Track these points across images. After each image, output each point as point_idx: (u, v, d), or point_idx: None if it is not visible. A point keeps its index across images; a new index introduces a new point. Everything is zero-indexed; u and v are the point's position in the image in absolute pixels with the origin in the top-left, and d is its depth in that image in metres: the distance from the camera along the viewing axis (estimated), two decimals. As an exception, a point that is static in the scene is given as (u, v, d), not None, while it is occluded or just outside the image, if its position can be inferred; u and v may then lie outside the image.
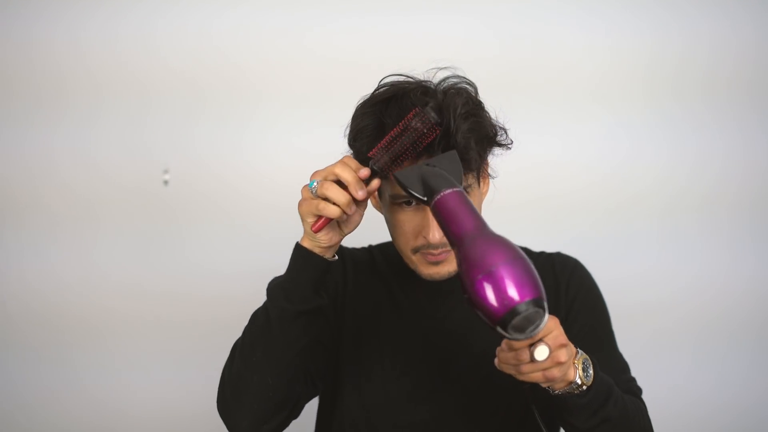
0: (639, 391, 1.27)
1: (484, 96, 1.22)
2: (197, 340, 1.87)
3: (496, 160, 1.26)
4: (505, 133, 1.22)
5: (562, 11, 1.90)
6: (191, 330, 1.87)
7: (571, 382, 1.06)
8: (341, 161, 1.10)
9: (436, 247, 1.17)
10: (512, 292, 0.91)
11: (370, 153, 1.11)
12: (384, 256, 1.36)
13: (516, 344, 1.00)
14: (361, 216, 1.15)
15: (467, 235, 0.97)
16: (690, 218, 1.91)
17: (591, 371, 1.08)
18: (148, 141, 1.85)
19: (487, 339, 1.26)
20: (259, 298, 1.18)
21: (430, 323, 1.30)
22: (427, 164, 1.08)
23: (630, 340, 1.81)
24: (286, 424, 1.20)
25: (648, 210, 1.91)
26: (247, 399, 1.14)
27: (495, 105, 1.23)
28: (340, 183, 1.09)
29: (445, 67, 1.22)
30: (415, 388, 1.28)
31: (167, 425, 1.89)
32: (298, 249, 1.14)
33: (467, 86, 1.20)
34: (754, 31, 1.91)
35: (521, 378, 1.04)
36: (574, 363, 1.06)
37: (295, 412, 1.20)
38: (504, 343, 1.03)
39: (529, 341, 0.99)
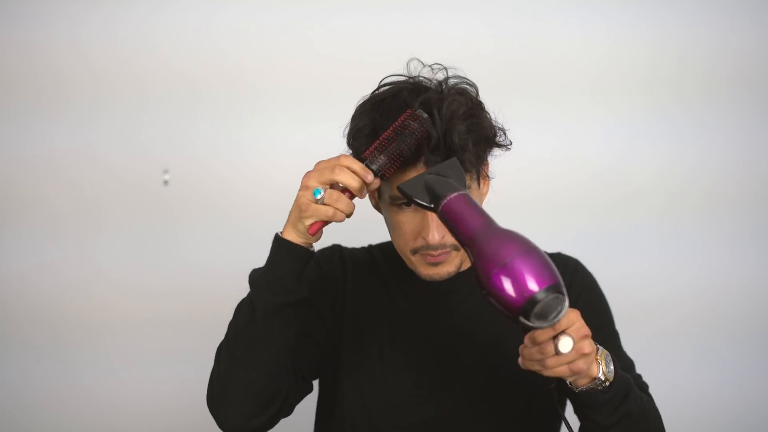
0: (646, 386, 1.28)
1: (483, 93, 1.22)
2: (196, 339, 1.85)
3: (495, 159, 1.26)
4: (504, 134, 1.22)
5: (561, 8, 1.90)
6: (190, 328, 1.88)
7: (595, 378, 1.06)
8: (343, 164, 1.09)
9: (435, 248, 1.18)
10: (530, 281, 0.93)
11: (364, 154, 1.11)
12: (384, 255, 1.36)
13: (539, 337, 1.01)
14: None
15: (478, 234, 0.99)
16: (690, 216, 1.92)
17: (612, 366, 1.08)
18: (148, 139, 1.86)
19: (488, 339, 1.28)
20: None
21: (431, 323, 1.30)
22: (430, 173, 1.09)
23: (631, 339, 1.80)
24: (276, 421, 1.20)
25: (648, 208, 1.92)
26: (234, 395, 1.15)
27: (494, 102, 1.23)
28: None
29: (446, 67, 1.22)
30: (415, 389, 1.28)
31: (166, 423, 1.89)
32: (280, 241, 1.14)
33: (468, 86, 1.21)
34: (753, 28, 1.91)
35: (547, 373, 1.04)
36: (596, 358, 1.06)
37: (285, 409, 1.20)
38: (527, 339, 1.03)
39: (551, 332, 1.00)
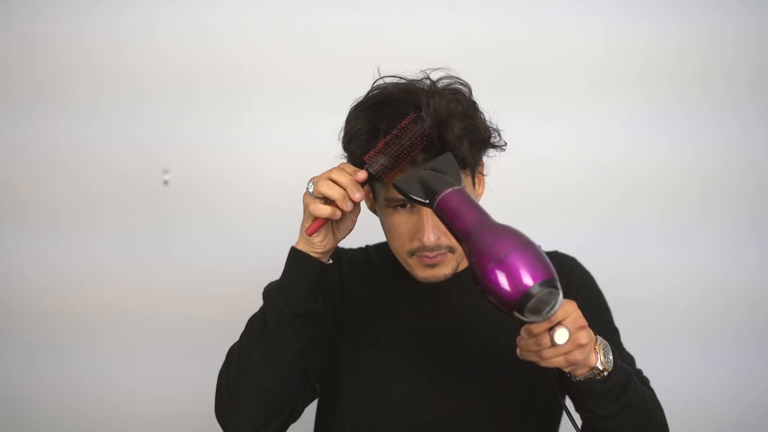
0: (647, 381, 1.28)
1: (478, 89, 1.22)
2: (194, 336, 1.87)
3: (491, 159, 1.26)
4: (499, 134, 1.22)
5: (558, 3, 1.90)
6: (188, 326, 1.88)
7: (593, 368, 1.06)
8: (337, 167, 1.12)
9: (431, 249, 1.18)
10: (524, 276, 0.93)
11: (366, 157, 1.12)
12: (381, 256, 1.37)
13: (535, 329, 1.01)
14: (354, 222, 1.18)
15: (473, 229, 1.00)
16: (691, 211, 1.92)
17: (611, 356, 1.08)
18: (149, 135, 1.86)
19: (486, 338, 1.28)
20: (254, 296, 1.18)
21: (429, 324, 1.30)
22: (425, 168, 1.10)
23: (636, 336, 1.81)
24: (286, 428, 1.21)
25: (648, 204, 1.92)
26: (246, 404, 1.15)
27: (490, 97, 1.23)
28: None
29: (439, 68, 1.22)
30: (414, 389, 1.28)
31: (163, 419, 1.89)
32: (293, 252, 1.16)
33: (461, 87, 1.21)
34: (751, 21, 1.91)
35: (544, 364, 1.04)
36: (595, 348, 1.06)
37: (294, 416, 1.21)
38: (523, 331, 1.04)
39: (547, 324, 1.00)
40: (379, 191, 1.21)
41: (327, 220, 1.13)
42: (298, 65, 1.87)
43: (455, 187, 1.06)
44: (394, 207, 1.19)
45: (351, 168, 1.12)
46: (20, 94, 1.85)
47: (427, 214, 1.16)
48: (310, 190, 1.12)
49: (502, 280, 0.94)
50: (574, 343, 1.01)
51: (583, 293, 1.32)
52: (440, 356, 1.29)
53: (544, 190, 1.90)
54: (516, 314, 0.95)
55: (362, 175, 1.11)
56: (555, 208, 1.90)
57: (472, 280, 0.97)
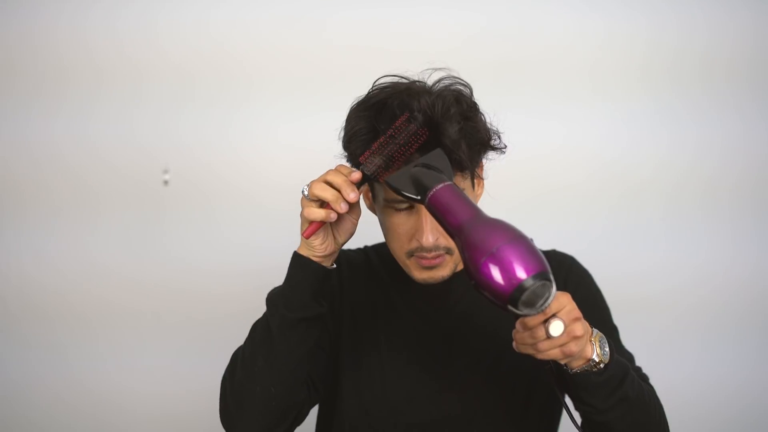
0: (646, 377, 1.28)
1: (479, 87, 1.23)
2: (191, 334, 1.88)
3: (490, 160, 1.27)
4: (499, 137, 1.22)
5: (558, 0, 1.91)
6: (187, 324, 1.88)
7: (589, 360, 1.06)
8: (334, 168, 1.12)
9: (429, 250, 1.18)
10: (517, 269, 0.93)
11: (361, 158, 1.12)
12: (379, 256, 1.37)
13: (530, 322, 1.01)
14: (355, 225, 1.17)
15: (465, 224, 1.00)
16: (691, 208, 1.91)
17: (607, 349, 1.08)
18: (148, 133, 1.87)
19: (485, 338, 1.28)
20: (253, 295, 1.19)
21: (428, 323, 1.30)
22: (416, 165, 1.10)
23: (637, 334, 1.81)
24: (292, 430, 1.21)
25: (650, 201, 1.92)
26: (251, 409, 1.15)
27: (489, 96, 1.23)
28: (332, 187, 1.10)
29: (440, 68, 1.22)
30: (414, 389, 1.28)
31: (163, 418, 1.89)
32: (295, 257, 1.16)
33: (462, 87, 1.21)
34: (750, 17, 1.91)
35: (540, 356, 1.04)
36: (590, 340, 1.06)
37: (300, 418, 1.22)
38: (518, 324, 1.04)
39: (542, 317, 1.01)
40: (379, 191, 1.21)
41: (323, 223, 1.12)
42: (298, 62, 1.87)
43: (446, 183, 1.06)
44: (394, 207, 1.19)
45: (346, 169, 1.11)
46: (20, 90, 1.86)
47: (426, 215, 1.16)
48: (305, 193, 1.11)
49: (495, 274, 0.94)
50: (569, 335, 1.02)
51: (581, 291, 1.31)
52: (439, 355, 1.29)
53: (543, 188, 1.90)
54: (510, 308, 0.95)
55: (356, 175, 1.10)
56: (554, 206, 1.90)
57: (466, 275, 0.97)
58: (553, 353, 1.03)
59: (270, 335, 1.14)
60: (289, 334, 1.14)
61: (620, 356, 1.18)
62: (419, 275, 1.22)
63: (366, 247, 1.41)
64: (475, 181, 1.24)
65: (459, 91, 1.20)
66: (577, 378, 1.08)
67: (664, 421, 1.20)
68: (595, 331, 1.08)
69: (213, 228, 1.88)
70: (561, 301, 1.02)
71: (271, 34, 1.87)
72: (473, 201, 1.21)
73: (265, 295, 1.19)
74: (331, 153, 1.25)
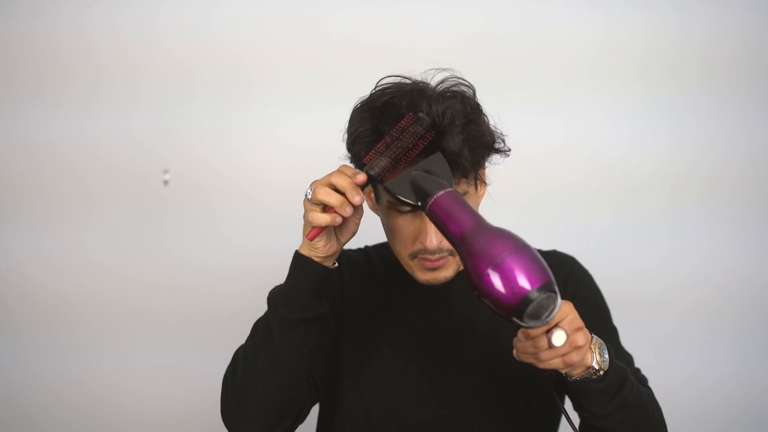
0: (645, 380, 1.28)
1: (480, 86, 1.22)
2: (190, 333, 1.87)
3: (496, 165, 1.26)
4: (503, 141, 1.21)
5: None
6: (185, 322, 1.88)
7: (589, 367, 1.07)
8: (337, 170, 1.10)
9: (433, 252, 1.18)
10: (522, 281, 0.92)
11: (366, 159, 1.11)
12: (380, 256, 1.37)
13: (533, 332, 1.01)
14: (357, 225, 1.16)
15: (467, 232, 0.98)
16: (693, 205, 1.91)
17: (607, 356, 1.08)
18: (149, 131, 1.86)
19: (486, 338, 1.29)
20: (253, 293, 1.20)
21: (429, 324, 1.30)
22: (416, 170, 1.08)
23: (639, 333, 1.82)
24: (293, 429, 1.22)
25: (649, 199, 1.91)
26: (252, 408, 1.15)
27: (488, 93, 1.23)
28: (336, 190, 1.09)
29: (444, 69, 1.21)
30: (415, 389, 1.28)
31: (162, 416, 1.89)
32: (297, 257, 1.15)
33: (465, 89, 1.20)
34: (750, 14, 1.90)
35: (541, 365, 1.04)
36: (590, 348, 1.06)
37: (301, 417, 1.22)
38: (520, 333, 1.04)
39: (545, 328, 1.00)
40: (382, 193, 1.20)
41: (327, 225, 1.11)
42: (298, 60, 1.87)
43: (447, 189, 1.04)
44: (397, 210, 1.18)
45: (350, 170, 1.10)
46: (19, 88, 1.85)
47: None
48: (309, 196, 1.10)
49: (500, 285, 0.92)
50: (571, 345, 1.02)
51: (582, 292, 1.32)
52: (440, 356, 1.29)
53: (543, 187, 1.90)
54: (514, 319, 0.95)
55: (361, 177, 1.09)
56: (554, 205, 1.90)
57: (469, 284, 0.97)
58: (555, 363, 1.03)
59: (270, 335, 1.14)
60: (290, 335, 1.14)
61: (620, 359, 1.19)
62: (422, 276, 1.22)
63: (367, 247, 1.41)
64: (478, 183, 1.23)
65: (463, 93, 1.19)
66: (576, 385, 1.09)
67: (663, 423, 1.21)
68: (595, 338, 1.08)
69: (213, 227, 1.88)
70: (564, 311, 1.01)
71: (272, 32, 1.86)
72: (475, 206, 1.21)
73: (266, 295, 1.19)
74: (332, 151, 1.24)
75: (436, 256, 1.18)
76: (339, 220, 1.09)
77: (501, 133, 1.21)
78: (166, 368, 1.87)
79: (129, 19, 1.85)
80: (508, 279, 0.92)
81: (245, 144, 1.87)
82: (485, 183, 1.26)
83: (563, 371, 1.06)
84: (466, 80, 1.21)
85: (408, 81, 1.20)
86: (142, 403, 1.88)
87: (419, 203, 1.06)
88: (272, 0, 1.86)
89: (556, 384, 1.13)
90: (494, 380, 1.28)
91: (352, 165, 1.20)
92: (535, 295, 0.92)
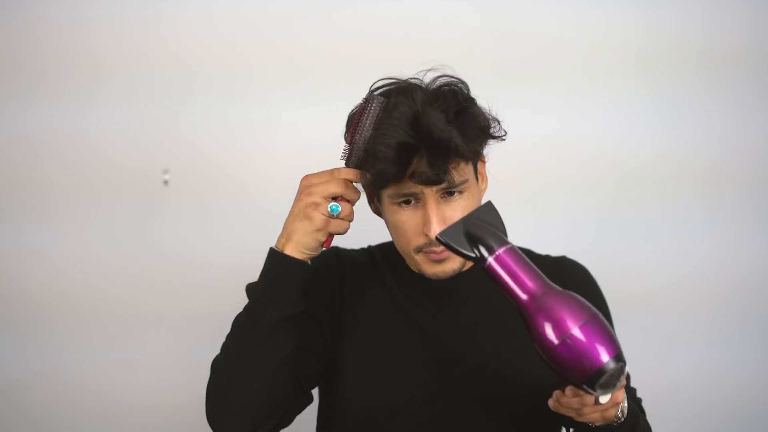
0: (640, 401, 1.31)
1: (474, 81, 1.23)
2: (189, 327, 1.88)
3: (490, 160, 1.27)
4: (498, 124, 1.21)
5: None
6: (184, 318, 1.88)
7: (614, 415, 1.10)
8: (343, 176, 1.15)
9: (438, 245, 1.17)
10: (595, 354, 0.93)
11: (341, 156, 1.16)
12: (384, 256, 1.36)
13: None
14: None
15: (533, 297, 0.98)
16: (691, 199, 1.91)
17: (626, 403, 1.11)
18: (149, 127, 1.86)
19: (490, 340, 1.29)
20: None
21: (432, 324, 1.30)
22: (469, 218, 1.07)
23: (642, 330, 1.83)
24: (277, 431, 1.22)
25: (647, 193, 1.91)
26: (235, 407, 1.16)
27: (485, 89, 1.23)
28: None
29: (433, 68, 1.22)
30: (416, 390, 1.28)
31: (150, 409, 1.89)
32: (277, 256, 1.16)
33: (457, 85, 1.21)
34: (747, 6, 1.90)
35: (580, 419, 1.07)
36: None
37: (284, 421, 1.21)
38: (569, 390, 1.04)
39: None
40: (382, 191, 1.21)
41: None
42: (300, 54, 1.87)
43: (508, 245, 1.03)
44: (398, 204, 1.19)
45: (344, 172, 1.16)
46: (21, 83, 1.85)
47: (433, 207, 1.16)
48: (338, 214, 1.15)
49: (575, 357, 0.93)
50: (613, 402, 1.04)
51: None
52: (443, 357, 1.29)
53: (539, 182, 1.89)
54: (585, 387, 0.95)
55: (349, 176, 1.15)
56: (551, 200, 1.90)
57: (537, 351, 0.97)
58: (594, 417, 1.06)
59: (255, 334, 1.15)
60: (275, 333, 1.15)
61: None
62: (430, 269, 1.22)
63: (370, 246, 1.41)
64: (479, 175, 1.24)
65: (454, 84, 1.20)
66: (597, 430, 1.12)
67: None
68: None
69: (214, 223, 1.88)
70: None
71: (274, 27, 1.87)
72: (477, 201, 1.21)
73: None
74: (332, 147, 1.26)
75: (441, 248, 1.18)
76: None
77: (496, 117, 1.21)
78: (166, 367, 1.88)
79: (131, 15, 1.85)
80: (585, 350, 0.93)
81: (247, 140, 1.87)
82: (486, 178, 1.27)
83: (596, 425, 1.10)
84: (458, 78, 1.22)
85: (400, 82, 1.21)
86: (141, 399, 1.88)
87: (477, 255, 1.04)
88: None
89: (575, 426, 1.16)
90: (497, 382, 1.28)
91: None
92: (610, 366, 0.93)
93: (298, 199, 1.17)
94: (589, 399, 1.03)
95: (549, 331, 0.94)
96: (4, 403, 1.87)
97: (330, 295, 1.32)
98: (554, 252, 1.41)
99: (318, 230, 1.14)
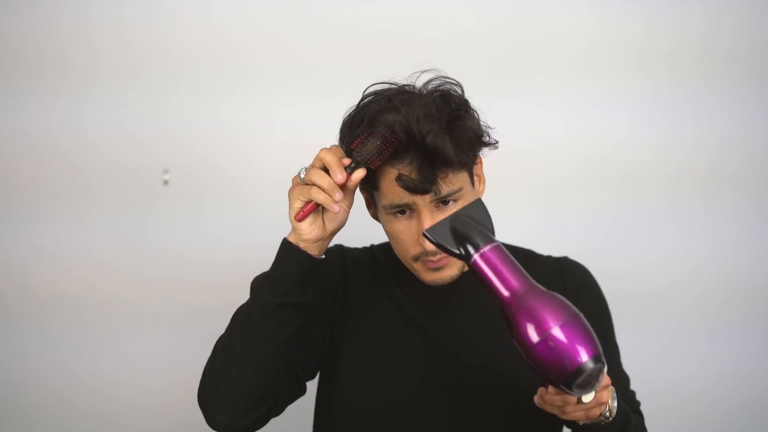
0: (638, 404, 1.31)
1: (473, 78, 1.22)
2: (188, 325, 1.87)
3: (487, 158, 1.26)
4: (488, 135, 1.21)
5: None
6: (183, 315, 1.88)
7: (601, 414, 1.10)
8: (329, 148, 1.14)
9: (434, 254, 1.18)
10: (574, 353, 0.93)
11: (353, 144, 1.13)
12: (386, 255, 1.36)
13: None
14: (347, 213, 1.17)
15: (515, 295, 0.99)
16: (693, 196, 1.89)
17: (616, 402, 1.12)
18: (148, 124, 1.86)
19: (490, 340, 1.29)
20: (245, 287, 1.20)
21: (432, 324, 1.30)
22: (457, 215, 1.07)
23: (644, 326, 1.82)
24: (265, 421, 1.22)
25: (648, 191, 1.89)
26: (225, 392, 1.16)
27: (482, 86, 1.23)
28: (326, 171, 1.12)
29: (427, 70, 1.21)
30: (416, 390, 1.28)
31: (149, 408, 1.89)
32: (284, 243, 1.17)
33: (452, 86, 1.20)
34: (749, 2, 1.89)
35: (564, 417, 1.08)
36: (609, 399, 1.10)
37: (275, 410, 1.22)
38: (552, 388, 1.05)
39: None
40: (378, 198, 1.21)
41: (316, 206, 1.14)
42: (297, 50, 1.87)
43: (494, 243, 1.03)
44: (394, 214, 1.19)
45: (339, 150, 1.15)
46: (20, 81, 1.85)
47: (426, 218, 1.16)
48: (302, 176, 1.14)
49: (553, 356, 0.94)
50: (597, 401, 1.05)
51: (591, 308, 1.28)
52: (443, 356, 1.29)
53: (539, 181, 1.88)
54: (562, 387, 0.96)
55: (346, 161, 1.12)
56: (552, 199, 1.88)
57: (517, 349, 0.97)
58: (578, 415, 1.07)
59: (249, 319, 1.16)
60: (267, 320, 1.15)
61: (618, 380, 1.23)
62: (428, 277, 1.23)
63: (372, 246, 1.41)
64: (475, 179, 1.24)
65: (447, 91, 1.19)
66: (584, 428, 1.13)
67: None
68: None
69: (213, 221, 1.87)
70: None
71: (272, 24, 1.85)
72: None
73: None
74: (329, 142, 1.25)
75: (438, 257, 1.19)
76: (337, 208, 1.11)
77: (487, 125, 1.22)
78: (165, 365, 1.87)
79: (130, 13, 1.85)
80: (562, 350, 0.93)
81: (246, 139, 1.87)
82: (482, 176, 1.27)
83: (581, 423, 1.10)
84: (452, 78, 1.22)
85: (394, 87, 1.21)
86: (139, 397, 1.88)
87: (462, 252, 1.05)
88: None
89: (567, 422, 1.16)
90: (497, 382, 1.28)
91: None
92: (589, 366, 0.93)
93: None
94: (572, 398, 1.03)
95: (529, 330, 0.95)
96: (3, 401, 1.88)
97: (332, 292, 1.33)
98: (555, 251, 1.41)
99: (292, 198, 1.14)
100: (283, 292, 1.15)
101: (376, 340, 1.31)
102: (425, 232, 1.08)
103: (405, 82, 1.22)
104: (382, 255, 1.38)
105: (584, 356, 0.93)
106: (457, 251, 1.05)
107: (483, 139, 1.21)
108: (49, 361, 1.87)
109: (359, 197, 1.25)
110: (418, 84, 1.21)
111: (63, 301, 1.86)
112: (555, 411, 1.07)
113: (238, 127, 1.87)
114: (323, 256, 1.19)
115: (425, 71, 1.21)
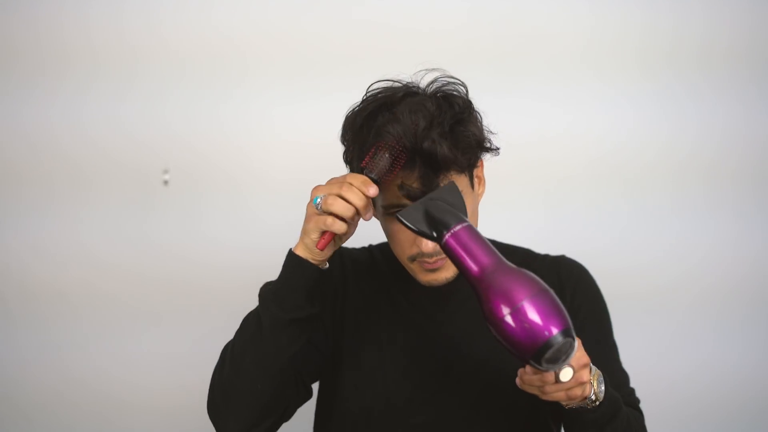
0: (637, 401, 1.30)
1: (474, 76, 1.22)
2: (187, 325, 1.87)
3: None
4: (490, 141, 1.21)
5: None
6: (181, 314, 1.87)
7: (586, 398, 1.09)
8: (346, 181, 1.10)
9: (430, 255, 1.18)
10: (542, 327, 0.93)
11: (363, 163, 1.12)
12: (384, 256, 1.36)
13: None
14: (356, 227, 1.16)
15: (485, 271, 0.99)
16: (695, 193, 1.89)
17: (603, 387, 1.11)
18: (147, 122, 1.85)
19: (489, 342, 1.26)
20: (250, 288, 1.20)
21: (431, 324, 1.30)
22: (430, 199, 1.07)
23: (647, 323, 1.82)
24: (277, 428, 1.21)
25: (650, 188, 1.89)
26: (236, 404, 1.15)
27: (484, 83, 1.22)
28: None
29: (433, 69, 1.21)
30: (415, 390, 1.28)
31: (148, 407, 1.88)
32: (292, 257, 1.14)
33: (456, 87, 1.20)
34: (748, 0, 1.89)
35: (544, 397, 1.07)
36: (589, 379, 1.09)
37: (285, 416, 1.22)
38: (528, 367, 1.05)
39: None
40: (377, 198, 1.20)
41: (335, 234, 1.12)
42: (301, 51, 1.86)
43: (464, 224, 1.03)
44: (392, 215, 1.18)
45: (359, 180, 1.09)
46: (19, 78, 1.84)
47: None
48: (318, 204, 1.10)
49: (520, 330, 0.93)
50: (576, 381, 1.04)
51: (587, 306, 1.32)
52: (441, 357, 1.29)
53: (541, 178, 1.88)
54: (532, 362, 0.95)
55: (374, 191, 1.09)
56: (553, 197, 1.88)
57: (486, 325, 0.97)
58: (558, 396, 1.06)
59: (260, 334, 1.14)
60: (280, 334, 1.14)
61: (617, 379, 1.23)
62: (424, 278, 1.22)
63: (371, 246, 1.41)
64: (475, 181, 1.24)
65: (450, 93, 1.19)
66: (571, 412, 1.12)
67: None
68: (594, 368, 1.10)
69: (212, 221, 1.87)
70: None
71: (275, 22, 1.85)
72: (474, 206, 1.21)
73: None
74: (332, 147, 1.25)
75: (434, 258, 1.19)
76: (353, 230, 1.11)
77: (489, 130, 1.21)
78: (165, 365, 1.87)
79: (130, 10, 1.84)
80: (528, 324, 0.93)
81: (246, 137, 1.86)
82: (483, 181, 1.27)
83: (563, 404, 1.09)
84: (457, 78, 1.21)
85: (398, 85, 1.20)
86: (139, 396, 1.88)
87: (434, 234, 1.05)
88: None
89: (552, 404, 1.14)
90: (496, 382, 1.27)
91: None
92: (555, 340, 0.93)
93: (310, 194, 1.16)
94: (549, 376, 1.03)
95: (498, 304, 0.95)
96: (2, 400, 1.87)
97: (332, 292, 1.32)
98: (557, 249, 1.41)
99: (307, 226, 1.12)
100: (295, 306, 1.14)
101: (375, 340, 1.30)
102: (398, 215, 1.08)
103: (409, 80, 1.21)
104: (380, 255, 1.37)
105: (554, 330, 0.93)
106: (429, 233, 1.06)
107: (484, 145, 1.20)
108: (49, 359, 1.86)
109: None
110: (423, 83, 1.21)
111: (62, 300, 1.86)
112: (535, 391, 1.07)
113: (238, 126, 1.86)
114: (327, 266, 1.18)
115: (431, 70, 1.21)
